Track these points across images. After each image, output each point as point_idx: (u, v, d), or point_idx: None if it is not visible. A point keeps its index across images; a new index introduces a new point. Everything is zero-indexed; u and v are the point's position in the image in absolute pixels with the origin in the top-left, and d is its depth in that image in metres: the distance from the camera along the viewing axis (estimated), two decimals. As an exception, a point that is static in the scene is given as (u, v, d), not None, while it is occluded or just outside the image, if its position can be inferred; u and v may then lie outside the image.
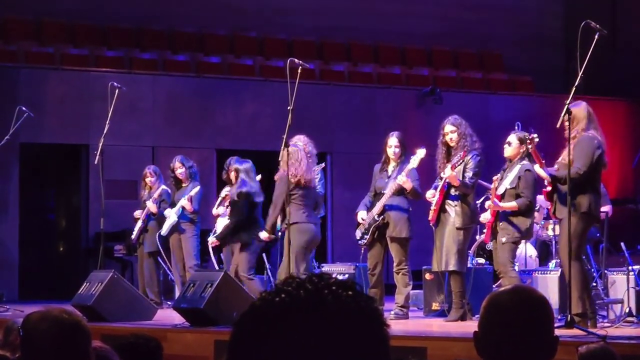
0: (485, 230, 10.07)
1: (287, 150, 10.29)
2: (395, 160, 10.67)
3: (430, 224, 10.30)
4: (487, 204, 9.90)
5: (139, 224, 13.10)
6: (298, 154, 10.69)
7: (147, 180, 13.22)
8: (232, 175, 12.01)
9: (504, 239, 9.75)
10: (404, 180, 10.36)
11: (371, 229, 10.60)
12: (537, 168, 9.27)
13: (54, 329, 3.23)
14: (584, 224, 8.90)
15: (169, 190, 13.12)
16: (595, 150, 8.96)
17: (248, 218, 11.74)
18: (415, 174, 10.53)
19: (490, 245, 10.24)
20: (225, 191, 12.57)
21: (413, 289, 11.68)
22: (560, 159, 9.17)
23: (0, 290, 13.10)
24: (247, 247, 11.63)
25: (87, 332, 3.29)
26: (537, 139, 9.48)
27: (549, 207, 9.48)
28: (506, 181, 9.86)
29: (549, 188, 9.19)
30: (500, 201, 9.79)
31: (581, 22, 8.95)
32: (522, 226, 9.78)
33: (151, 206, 12.95)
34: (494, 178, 9.81)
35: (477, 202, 10.69)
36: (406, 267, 10.53)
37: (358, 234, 10.73)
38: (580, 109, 9.04)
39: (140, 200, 13.35)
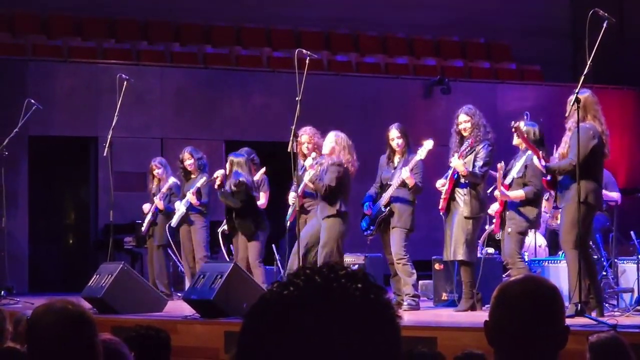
0: (494, 220, 10.05)
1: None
2: (400, 152, 10.65)
3: (440, 213, 10.28)
4: (495, 193, 9.88)
5: (149, 216, 13.14)
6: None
7: (155, 172, 13.24)
8: (227, 166, 12.14)
9: (509, 229, 9.74)
10: (407, 175, 10.33)
11: (377, 221, 10.60)
12: (535, 159, 9.26)
13: (59, 321, 3.23)
14: (581, 213, 8.83)
15: (179, 183, 13.13)
16: (590, 140, 8.87)
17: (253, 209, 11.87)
18: (421, 166, 10.50)
19: (499, 235, 10.24)
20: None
21: (423, 279, 11.70)
22: (559, 149, 9.17)
23: (10, 283, 13.11)
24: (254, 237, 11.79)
25: (92, 323, 3.29)
26: (524, 128, 9.47)
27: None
28: (514, 170, 9.85)
29: (549, 177, 9.20)
30: (508, 190, 9.78)
31: (589, 10, 8.91)
32: (530, 215, 9.76)
33: (158, 202, 12.98)
34: (498, 166, 9.75)
35: (487, 191, 10.67)
36: (406, 256, 10.50)
37: (364, 225, 10.74)
38: (572, 99, 8.98)
39: (149, 194, 13.37)
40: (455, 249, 10.08)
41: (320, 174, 10.57)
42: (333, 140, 10.69)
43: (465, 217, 10.09)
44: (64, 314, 3.24)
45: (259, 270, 11.62)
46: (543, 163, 9.13)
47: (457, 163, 9.97)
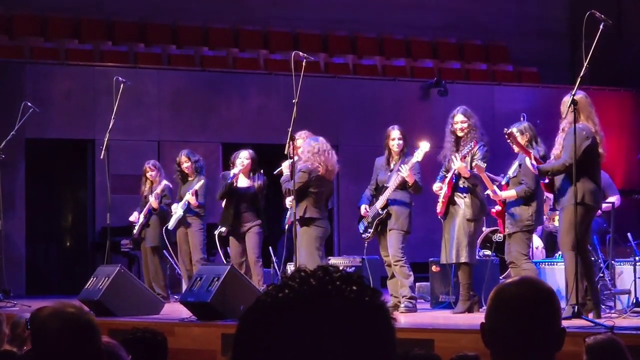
0: (499, 221, 10.06)
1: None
2: (398, 154, 10.65)
3: (439, 217, 10.27)
4: (487, 192, 9.90)
5: (141, 219, 13.13)
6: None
7: (148, 175, 13.24)
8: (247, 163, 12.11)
9: (507, 230, 9.77)
10: (407, 173, 10.33)
11: (375, 223, 10.59)
12: (527, 161, 9.27)
13: (66, 327, 3.21)
14: (580, 214, 8.82)
15: (171, 186, 13.15)
16: (583, 140, 8.88)
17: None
18: (418, 167, 10.51)
19: (499, 237, 10.24)
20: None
21: (420, 281, 11.69)
22: (553, 150, 9.19)
23: (7, 285, 13.10)
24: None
25: (98, 330, 3.28)
26: (517, 133, 9.49)
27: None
28: (510, 170, 9.89)
29: (546, 179, 9.20)
30: (506, 190, 9.80)
31: (587, 12, 8.92)
32: (524, 214, 9.73)
33: (152, 202, 12.97)
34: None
35: (485, 193, 10.67)
36: (403, 258, 10.49)
37: (361, 227, 10.74)
38: (566, 101, 8.99)
39: (141, 196, 13.36)
40: (458, 251, 10.07)
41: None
42: (304, 147, 10.77)
43: (468, 220, 10.09)
44: (71, 320, 3.22)
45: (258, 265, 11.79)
46: (535, 164, 9.14)
47: (460, 165, 9.96)
